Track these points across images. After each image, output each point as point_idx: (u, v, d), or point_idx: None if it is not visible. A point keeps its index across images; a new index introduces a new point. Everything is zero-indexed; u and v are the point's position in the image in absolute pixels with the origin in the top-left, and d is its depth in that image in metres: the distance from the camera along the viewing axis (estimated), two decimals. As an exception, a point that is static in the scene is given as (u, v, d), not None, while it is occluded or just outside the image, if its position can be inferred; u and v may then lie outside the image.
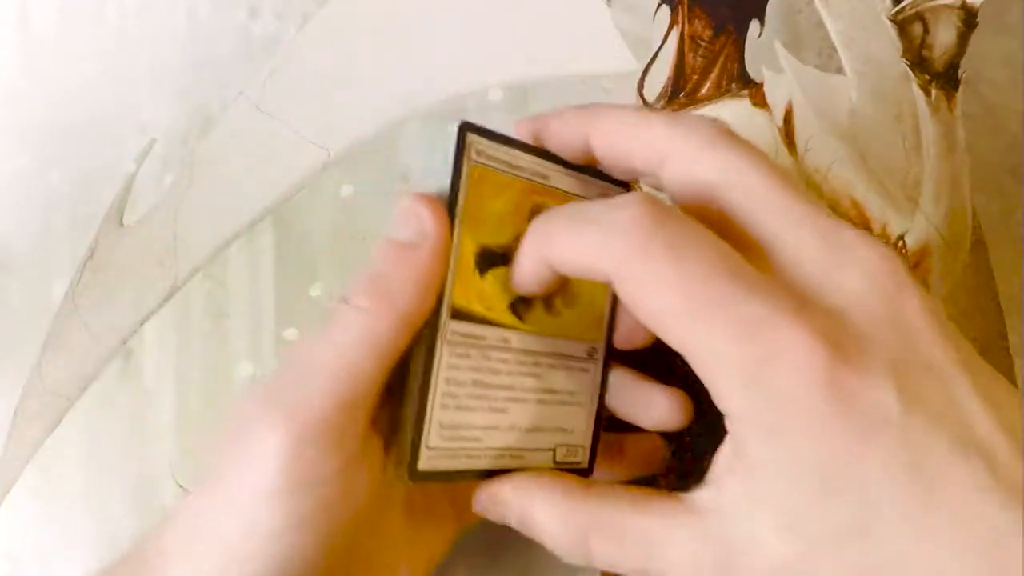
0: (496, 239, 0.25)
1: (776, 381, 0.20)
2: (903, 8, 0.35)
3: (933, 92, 0.35)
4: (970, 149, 0.35)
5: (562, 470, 0.27)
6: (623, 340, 0.28)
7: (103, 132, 0.35)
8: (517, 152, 0.25)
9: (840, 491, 0.20)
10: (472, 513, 0.28)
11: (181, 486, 0.34)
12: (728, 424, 0.22)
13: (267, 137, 0.35)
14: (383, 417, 0.25)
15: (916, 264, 0.35)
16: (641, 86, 0.35)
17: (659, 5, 0.35)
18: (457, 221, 0.24)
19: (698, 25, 0.35)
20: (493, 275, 0.25)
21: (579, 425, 0.27)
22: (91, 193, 0.35)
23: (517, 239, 0.25)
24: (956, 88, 0.35)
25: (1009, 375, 0.36)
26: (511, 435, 0.26)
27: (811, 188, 0.35)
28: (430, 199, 0.24)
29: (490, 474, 0.26)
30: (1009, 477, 0.20)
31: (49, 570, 0.34)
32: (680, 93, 0.35)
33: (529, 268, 0.24)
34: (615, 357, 0.28)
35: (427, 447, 0.24)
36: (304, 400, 0.22)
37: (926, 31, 0.35)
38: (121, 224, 0.34)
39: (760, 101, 0.35)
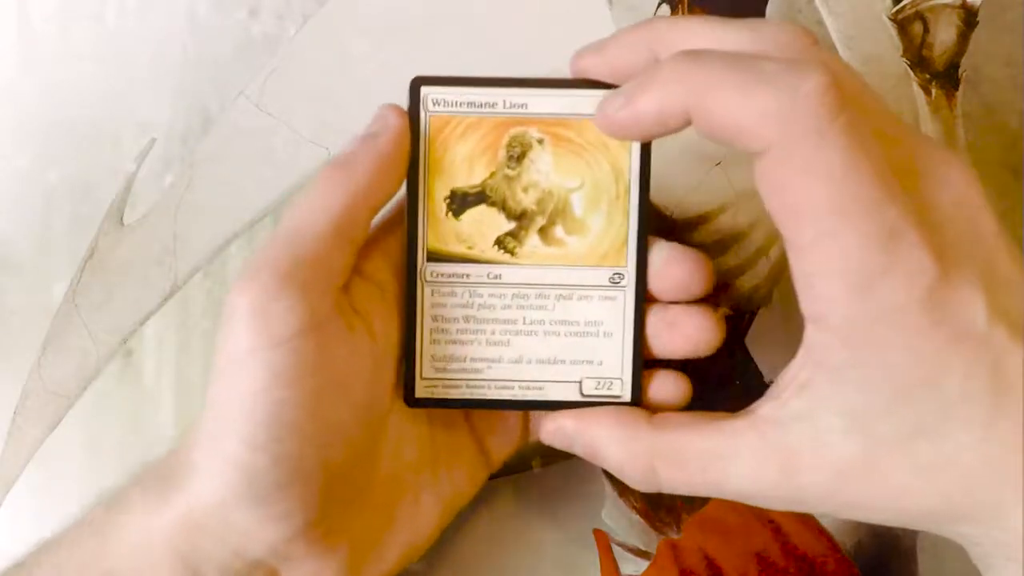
0: (468, 180, 0.26)
1: (887, 293, 0.21)
2: (903, 7, 0.35)
3: (933, 91, 0.35)
4: (970, 148, 0.35)
5: (598, 403, 0.27)
6: (667, 285, 0.27)
7: (103, 132, 0.35)
8: (483, 90, 0.26)
9: (916, 397, 0.21)
10: (498, 457, 0.30)
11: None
12: (814, 331, 0.23)
13: (267, 137, 0.35)
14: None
15: (916, 263, 0.35)
16: (641, 86, 0.35)
17: (659, 4, 0.35)
18: (421, 171, 0.26)
19: (698, 25, 0.35)
20: (472, 215, 0.26)
21: (611, 356, 0.27)
22: (91, 193, 0.35)
23: (493, 175, 0.26)
24: (956, 87, 0.35)
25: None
26: (520, 367, 0.27)
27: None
28: (396, 107, 0.26)
29: (503, 404, 0.27)
30: None
31: (49, 570, 0.34)
32: (680, 93, 0.35)
33: (654, 107, 0.23)
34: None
35: (421, 377, 0.27)
36: (266, 260, 0.24)
37: (926, 30, 0.35)
38: (121, 224, 0.34)
39: (760, 100, 0.35)
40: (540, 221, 0.26)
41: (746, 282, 0.35)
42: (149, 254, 0.34)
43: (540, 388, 0.27)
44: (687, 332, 0.26)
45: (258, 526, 0.24)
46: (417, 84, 0.26)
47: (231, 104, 0.35)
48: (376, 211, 0.26)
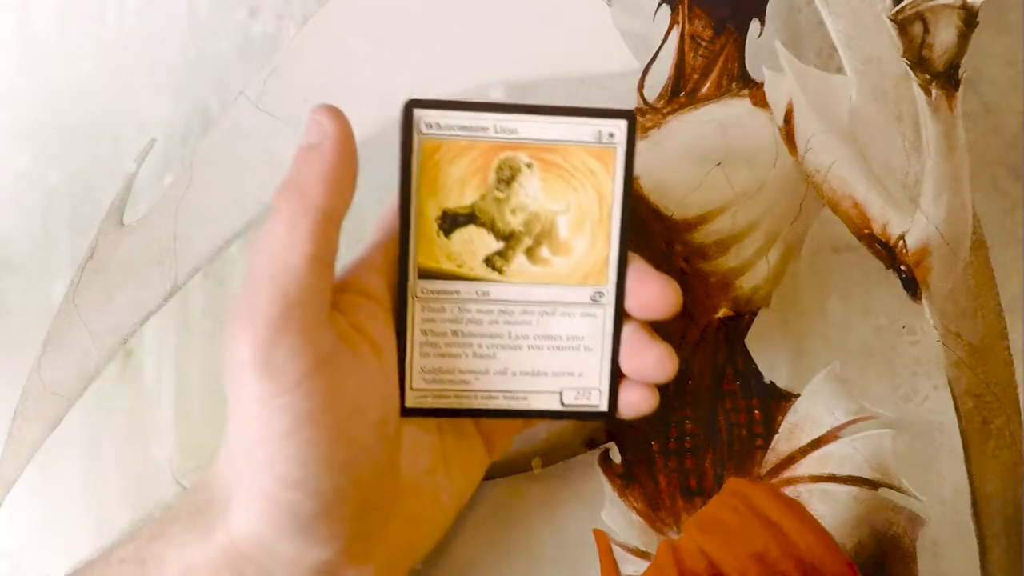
0: (459, 201, 0.27)
1: None
2: (903, 8, 0.35)
3: (933, 92, 0.35)
4: (970, 149, 0.35)
5: (577, 413, 0.29)
6: (638, 304, 0.28)
7: (103, 132, 0.35)
8: (474, 114, 0.27)
9: None
10: (500, 447, 0.31)
11: (181, 485, 0.34)
12: None
13: (267, 137, 0.35)
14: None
15: (916, 264, 0.35)
16: (641, 86, 0.35)
17: (659, 5, 0.35)
18: (413, 192, 0.27)
19: (698, 24, 0.35)
20: (461, 235, 0.27)
21: (590, 369, 0.28)
22: (91, 193, 0.34)
23: (483, 197, 0.27)
24: (956, 88, 0.35)
25: (1009, 376, 0.36)
26: (505, 379, 0.28)
27: (811, 188, 0.35)
28: (329, 107, 0.26)
29: (489, 413, 0.28)
30: None
31: (49, 569, 0.34)
32: (680, 93, 0.35)
33: None
34: None
35: (411, 388, 0.28)
36: (257, 310, 0.24)
37: (926, 31, 0.35)
38: (121, 224, 0.34)
39: (760, 101, 0.35)
40: (527, 242, 0.27)
41: (746, 283, 0.35)
42: (149, 254, 0.34)
43: (524, 398, 0.28)
44: (648, 362, 0.28)
45: (302, 554, 0.25)
46: (410, 107, 0.26)
47: (231, 104, 0.35)
48: (340, 221, 0.26)
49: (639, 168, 0.35)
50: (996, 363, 0.36)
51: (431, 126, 0.26)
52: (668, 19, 0.35)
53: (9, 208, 0.34)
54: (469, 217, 0.27)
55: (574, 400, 0.28)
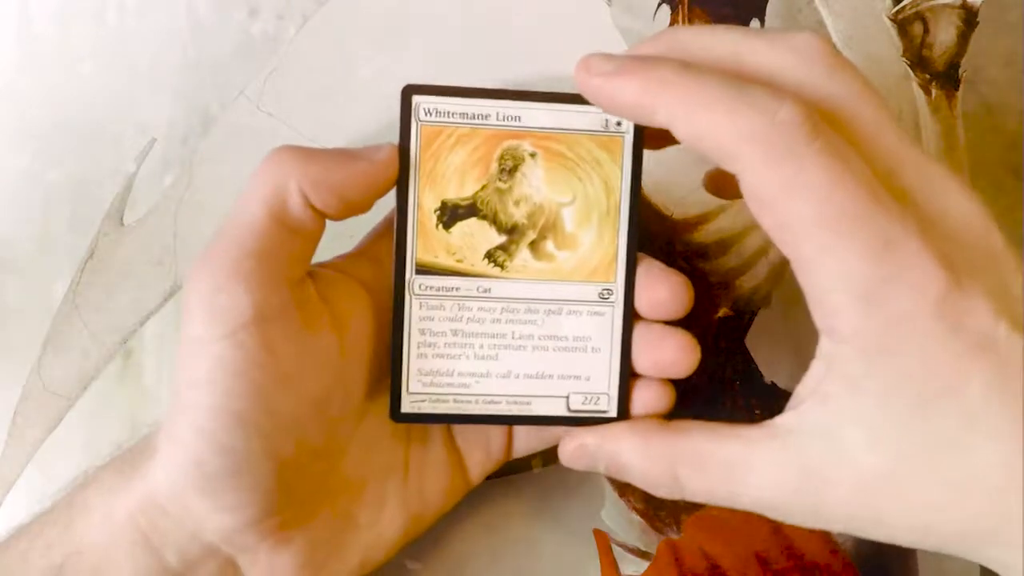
0: (459, 192, 0.26)
1: (895, 301, 0.21)
2: (903, 7, 0.35)
3: (933, 91, 0.35)
4: (970, 148, 0.35)
5: (584, 419, 0.27)
6: (647, 303, 0.27)
7: (103, 132, 0.35)
8: (476, 101, 0.25)
9: (938, 406, 0.21)
10: (478, 473, 0.30)
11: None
12: (828, 343, 0.23)
13: (267, 137, 0.35)
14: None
15: (916, 264, 0.35)
16: (641, 86, 0.35)
17: (659, 5, 0.35)
18: (411, 182, 0.25)
19: (698, 24, 0.35)
20: (462, 227, 0.26)
21: (598, 372, 0.27)
22: (91, 193, 0.34)
23: (484, 188, 0.26)
24: (956, 87, 0.35)
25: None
26: (508, 382, 0.27)
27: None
28: (395, 146, 0.25)
29: (490, 419, 0.27)
30: None
31: (49, 570, 0.34)
32: (680, 93, 0.35)
33: (632, 97, 0.23)
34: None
35: (408, 392, 0.26)
36: (216, 249, 0.24)
37: (926, 30, 0.35)
38: (121, 224, 0.34)
39: (760, 101, 0.35)
40: (531, 235, 0.26)
41: (746, 283, 0.35)
42: (149, 254, 0.34)
43: (527, 403, 0.27)
44: (667, 353, 0.26)
45: (210, 514, 0.25)
46: (409, 93, 0.25)
47: (231, 104, 0.35)
48: (321, 209, 0.25)
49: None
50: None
51: (430, 113, 0.25)
52: (668, 19, 0.35)
53: (9, 208, 0.34)
54: (470, 209, 0.26)
55: (581, 405, 0.27)
